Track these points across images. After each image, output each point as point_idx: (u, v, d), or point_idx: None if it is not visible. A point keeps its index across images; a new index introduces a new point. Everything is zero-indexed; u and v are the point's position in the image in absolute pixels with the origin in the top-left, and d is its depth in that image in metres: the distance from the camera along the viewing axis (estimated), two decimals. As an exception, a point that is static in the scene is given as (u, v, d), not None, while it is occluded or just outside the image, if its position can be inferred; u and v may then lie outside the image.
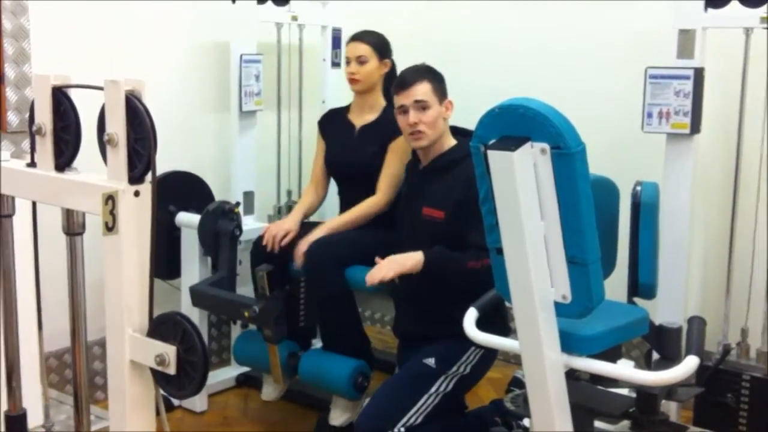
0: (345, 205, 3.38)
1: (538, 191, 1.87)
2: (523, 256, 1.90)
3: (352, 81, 3.35)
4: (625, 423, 2.53)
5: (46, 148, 1.56)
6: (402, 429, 2.65)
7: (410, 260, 2.73)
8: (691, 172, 3.10)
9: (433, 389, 2.74)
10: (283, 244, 3.18)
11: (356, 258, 3.10)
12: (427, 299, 2.83)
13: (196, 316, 3.40)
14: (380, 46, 3.37)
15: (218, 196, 3.64)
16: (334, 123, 3.49)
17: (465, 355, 2.78)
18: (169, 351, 1.40)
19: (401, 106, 2.86)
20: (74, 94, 1.60)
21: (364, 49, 3.34)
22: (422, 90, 2.82)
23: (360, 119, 3.41)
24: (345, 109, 3.51)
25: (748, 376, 2.94)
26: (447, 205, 2.76)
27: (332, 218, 3.32)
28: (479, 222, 2.57)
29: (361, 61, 3.33)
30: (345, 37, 3.99)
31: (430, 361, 2.77)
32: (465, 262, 2.66)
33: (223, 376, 3.70)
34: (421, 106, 2.82)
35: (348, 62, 3.37)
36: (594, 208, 1.89)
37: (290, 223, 3.27)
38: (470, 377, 2.83)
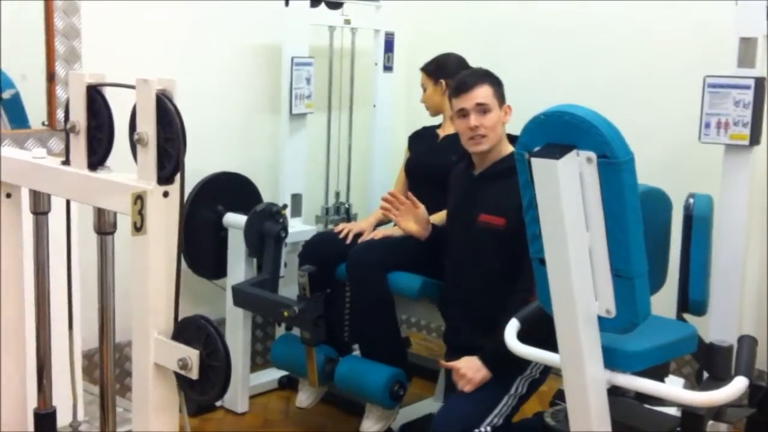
0: None
1: (583, 201, 1.81)
2: (566, 267, 1.84)
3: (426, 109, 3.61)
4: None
5: (79, 146, 1.55)
6: (488, 428, 2.62)
7: (479, 374, 2.65)
8: (749, 185, 2.99)
9: (513, 390, 2.71)
10: (359, 240, 3.26)
11: (399, 263, 3.08)
12: (481, 309, 2.77)
13: (240, 316, 3.41)
14: (433, 70, 3.53)
15: (266, 198, 3.64)
16: (421, 135, 3.62)
17: None
18: (192, 355, 1.38)
19: (461, 110, 2.80)
20: (112, 93, 1.60)
21: (422, 78, 3.56)
22: (483, 93, 2.78)
23: (444, 131, 3.52)
24: (436, 126, 3.62)
25: (803, 397, 2.82)
26: (508, 210, 2.66)
27: None
28: None
29: (423, 89, 3.57)
30: (397, 40, 3.98)
31: None
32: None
33: (265, 377, 3.69)
34: (482, 109, 2.77)
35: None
36: (643, 219, 1.83)
37: (365, 224, 3.40)
38: (538, 382, 2.78)
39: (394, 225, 3.41)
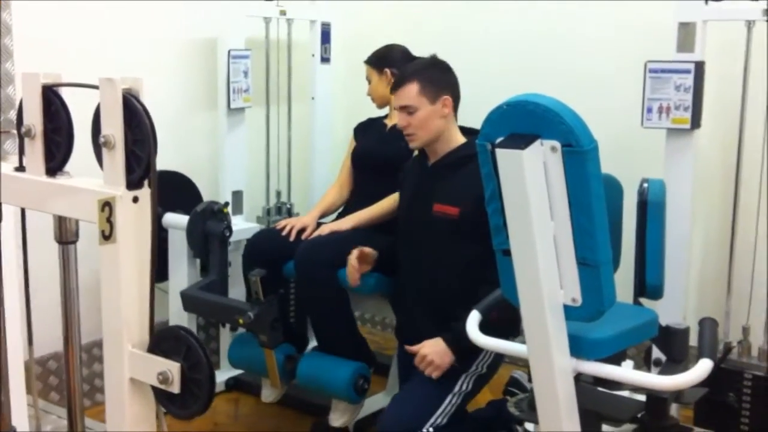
0: (360, 198, 3.34)
1: (547, 191, 1.80)
2: (533, 257, 1.83)
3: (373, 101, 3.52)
4: (629, 426, 2.48)
5: (35, 151, 1.46)
6: (431, 429, 2.60)
7: (446, 358, 2.63)
8: (692, 168, 3.04)
9: (456, 389, 2.69)
10: (303, 237, 3.17)
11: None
12: (441, 301, 2.74)
13: (184, 319, 3.32)
14: (375, 60, 3.46)
15: (206, 196, 3.56)
16: (369, 126, 3.56)
17: (482, 354, 2.72)
18: (173, 368, 1.32)
19: (395, 107, 2.82)
20: (64, 94, 1.51)
21: (366, 70, 3.48)
22: (406, 94, 2.75)
23: (391, 121, 3.45)
24: (383, 117, 3.57)
25: (749, 374, 2.90)
26: (462, 200, 2.65)
27: (360, 211, 3.23)
28: None
29: (368, 81, 3.47)
30: (335, 31, 3.93)
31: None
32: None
33: (212, 380, 3.60)
34: (407, 111, 2.76)
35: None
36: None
37: (308, 219, 3.30)
38: (486, 376, 2.78)
39: (336, 218, 3.37)
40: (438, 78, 2.78)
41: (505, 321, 2.46)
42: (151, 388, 1.39)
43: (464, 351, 2.63)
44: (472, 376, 2.72)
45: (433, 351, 2.64)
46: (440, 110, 2.74)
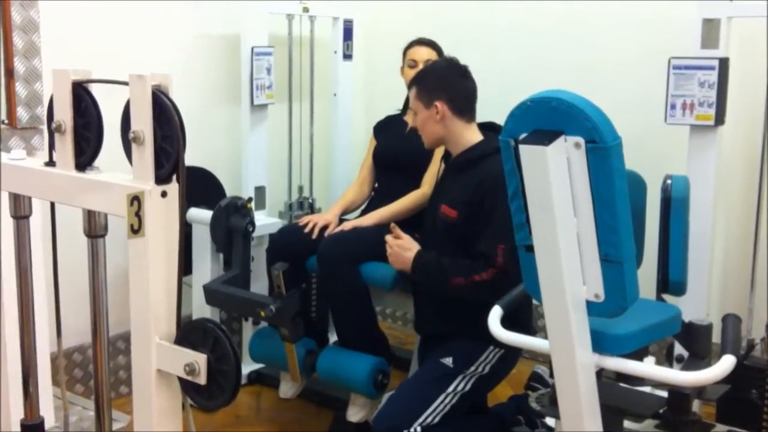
0: (383, 196, 3.34)
1: (571, 187, 1.80)
2: (556, 253, 1.84)
3: None
4: (650, 422, 2.47)
5: (66, 146, 1.48)
6: (418, 428, 2.60)
7: (398, 264, 2.81)
8: (715, 165, 3.03)
9: (451, 389, 2.68)
10: (325, 235, 3.18)
11: (372, 254, 3.04)
12: (442, 300, 2.76)
13: (207, 313, 3.35)
14: (441, 52, 3.45)
15: (229, 192, 3.58)
16: (388, 124, 3.55)
17: (484, 355, 2.72)
18: (200, 360, 1.33)
19: None
20: (93, 90, 1.53)
21: (430, 53, 3.43)
22: (411, 98, 2.86)
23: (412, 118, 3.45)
24: (400, 114, 3.56)
25: (772, 372, 2.88)
26: (461, 205, 2.70)
27: (382, 207, 3.24)
28: (489, 227, 2.55)
29: (411, 66, 3.41)
30: (357, 28, 3.93)
31: (448, 361, 2.71)
32: (450, 278, 2.64)
33: (234, 374, 3.62)
34: (414, 112, 2.85)
35: (413, 65, 3.42)
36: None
37: (330, 216, 3.30)
38: (490, 377, 2.76)
39: (360, 214, 3.39)
40: (431, 84, 2.79)
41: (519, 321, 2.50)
42: (177, 380, 1.41)
43: (421, 276, 2.76)
44: (471, 376, 2.71)
45: (398, 249, 2.80)
46: (434, 115, 2.76)
